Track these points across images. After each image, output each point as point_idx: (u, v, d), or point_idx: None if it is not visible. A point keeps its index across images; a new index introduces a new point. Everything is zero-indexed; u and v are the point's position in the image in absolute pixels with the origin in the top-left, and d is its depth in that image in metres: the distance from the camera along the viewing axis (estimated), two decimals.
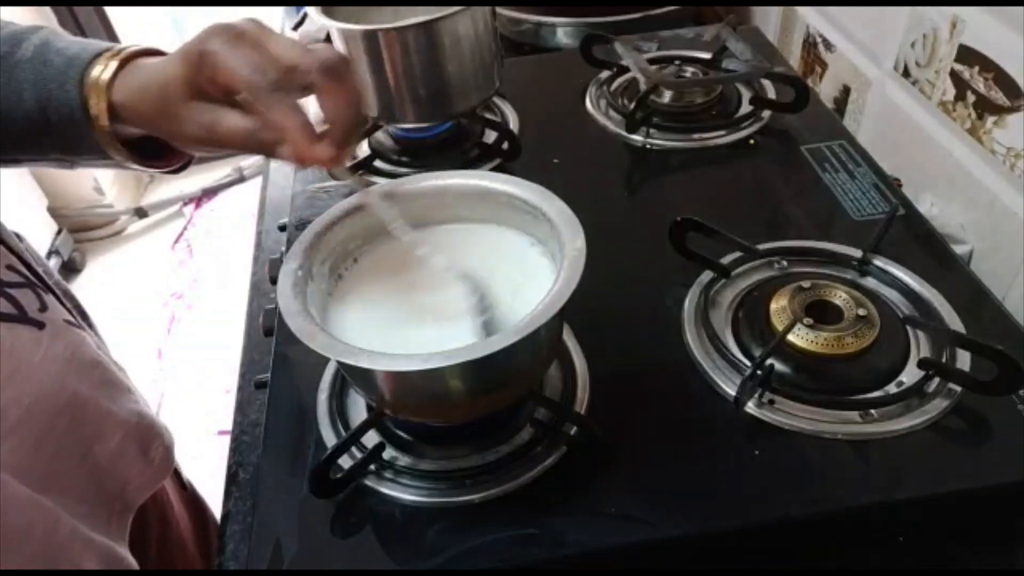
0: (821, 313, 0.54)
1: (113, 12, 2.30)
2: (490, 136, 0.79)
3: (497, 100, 0.85)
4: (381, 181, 0.57)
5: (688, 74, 0.83)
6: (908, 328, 0.55)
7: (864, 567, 0.49)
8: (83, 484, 0.48)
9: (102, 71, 0.45)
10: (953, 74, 0.71)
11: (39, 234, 2.10)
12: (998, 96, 0.66)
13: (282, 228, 0.73)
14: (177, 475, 0.69)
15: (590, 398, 0.52)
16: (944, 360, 0.52)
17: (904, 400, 0.50)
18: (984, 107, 0.68)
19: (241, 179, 2.50)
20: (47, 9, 2.17)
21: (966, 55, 0.69)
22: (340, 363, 0.45)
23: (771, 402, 0.51)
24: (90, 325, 0.58)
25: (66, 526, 0.45)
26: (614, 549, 0.45)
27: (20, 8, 2.06)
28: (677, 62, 0.86)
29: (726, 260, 0.60)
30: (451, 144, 0.79)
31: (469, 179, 0.53)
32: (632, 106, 0.78)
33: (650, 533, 0.45)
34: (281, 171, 0.84)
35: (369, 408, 0.52)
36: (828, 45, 0.94)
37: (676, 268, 0.59)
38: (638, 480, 0.48)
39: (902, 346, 0.54)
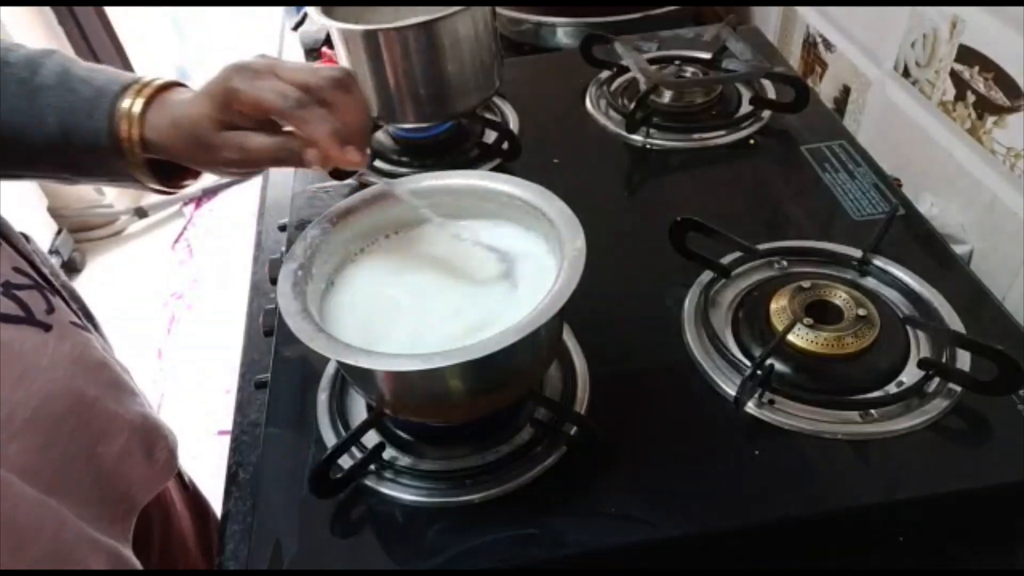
0: (821, 313, 0.54)
1: (113, 12, 2.30)
2: (490, 136, 0.79)
3: (497, 100, 0.85)
4: (381, 181, 0.57)
5: (688, 74, 0.83)
6: (908, 328, 0.55)
7: (864, 567, 0.49)
8: (89, 485, 0.48)
9: (131, 104, 0.50)
10: (953, 74, 0.71)
11: (39, 234, 2.10)
12: (998, 96, 0.66)
13: (282, 228, 0.73)
14: (179, 475, 0.69)
15: (590, 398, 0.52)
16: (944, 360, 0.52)
17: (904, 400, 0.50)
18: (984, 107, 0.68)
19: (241, 179, 2.50)
20: (47, 9, 2.16)
21: (966, 55, 0.69)
22: (340, 363, 0.45)
23: (771, 402, 0.51)
24: (95, 326, 0.58)
25: (73, 526, 0.45)
26: (614, 549, 0.45)
27: (20, 8, 2.06)
28: (677, 62, 0.86)
29: (726, 260, 0.60)
30: (451, 144, 0.79)
31: (469, 179, 0.53)
32: (632, 106, 0.78)
33: (650, 533, 0.45)
34: (281, 171, 0.84)
35: (369, 408, 0.52)
36: (828, 45, 0.95)
37: (676, 268, 0.59)
38: (638, 480, 0.48)
39: (902, 346, 0.54)
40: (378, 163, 0.78)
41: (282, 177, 0.82)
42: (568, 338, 0.56)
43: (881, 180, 0.70)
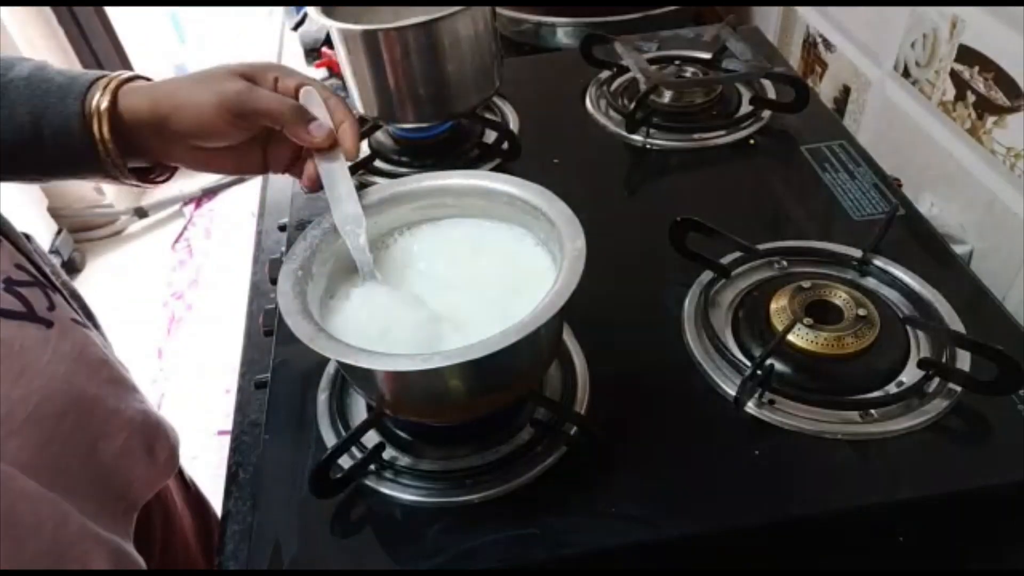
0: (821, 313, 0.54)
1: (113, 12, 2.30)
2: (490, 136, 0.79)
3: (497, 100, 0.85)
4: (381, 181, 0.57)
5: (688, 74, 0.83)
6: (908, 328, 0.55)
7: (864, 567, 0.49)
8: (89, 482, 0.48)
9: (108, 83, 0.49)
10: (953, 74, 0.71)
11: (39, 234, 2.10)
12: (998, 96, 0.66)
13: (282, 228, 0.73)
14: (181, 475, 0.69)
15: (590, 398, 0.52)
16: (944, 360, 0.52)
17: (904, 400, 0.50)
18: (984, 107, 0.68)
19: (241, 179, 2.50)
20: (47, 9, 2.16)
21: (966, 55, 0.69)
22: (340, 363, 0.45)
23: (771, 402, 0.51)
24: (95, 325, 0.58)
25: (75, 522, 0.45)
26: (614, 549, 0.45)
27: (20, 8, 2.06)
28: (677, 62, 0.86)
29: (726, 260, 0.60)
30: (451, 144, 0.79)
31: (469, 179, 0.53)
32: (632, 106, 0.78)
33: (650, 533, 0.45)
34: None
35: (369, 408, 0.52)
36: (828, 45, 0.95)
37: (676, 268, 0.59)
38: (638, 480, 0.48)
39: (902, 346, 0.54)
40: (378, 163, 0.78)
41: (282, 177, 0.82)
42: (568, 338, 0.56)
43: (881, 180, 0.70)
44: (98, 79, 0.49)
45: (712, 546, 0.47)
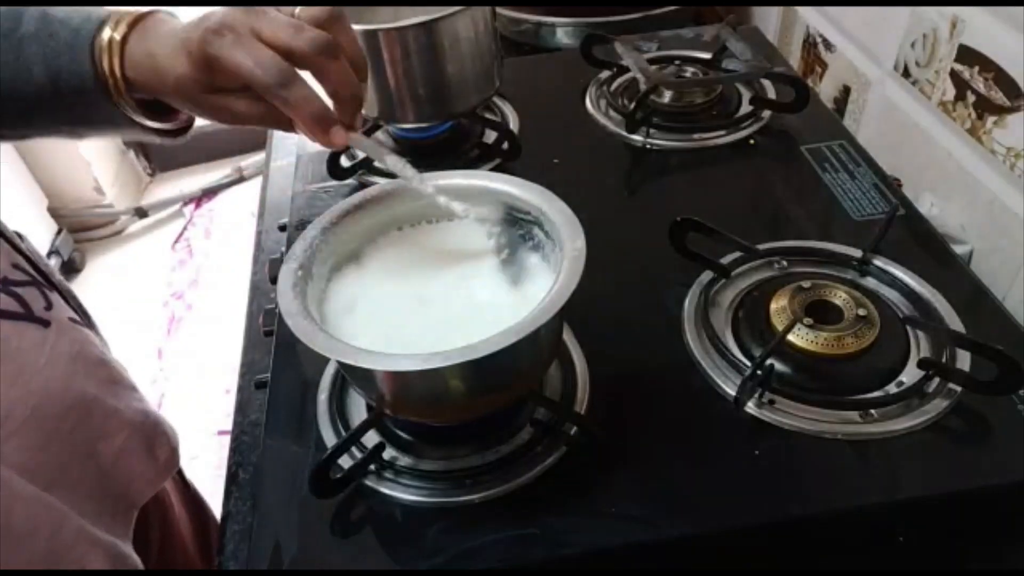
0: (821, 313, 0.53)
1: None
2: (490, 136, 0.79)
3: (497, 100, 0.85)
4: (381, 181, 0.57)
5: (688, 74, 0.83)
6: (908, 328, 0.55)
7: (864, 567, 0.49)
8: (88, 482, 0.48)
9: (109, 37, 0.46)
10: (953, 74, 0.71)
11: (39, 234, 2.10)
12: (998, 96, 0.66)
13: (282, 228, 0.73)
14: (179, 475, 0.69)
15: (590, 398, 0.52)
16: (944, 360, 0.52)
17: (904, 400, 0.50)
18: (984, 107, 0.68)
19: (241, 179, 2.50)
20: None
21: (966, 55, 0.69)
22: (340, 363, 0.45)
23: (771, 402, 0.51)
24: (91, 324, 0.58)
25: (72, 524, 0.45)
26: (614, 549, 0.45)
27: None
28: (677, 62, 0.86)
29: (726, 260, 0.60)
30: (451, 144, 0.79)
31: (470, 179, 0.53)
32: (632, 106, 0.78)
33: (650, 533, 0.45)
34: (281, 171, 0.84)
35: (369, 408, 0.52)
36: (828, 45, 0.95)
37: (676, 268, 0.59)
38: (638, 480, 0.48)
39: (902, 346, 0.54)
40: (378, 163, 0.78)
41: (282, 177, 0.82)
42: (568, 338, 0.56)
43: (881, 180, 0.70)
44: (107, 19, 0.47)
45: (712, 546, 0.47)
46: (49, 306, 0.48)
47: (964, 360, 0.51)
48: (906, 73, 0.79)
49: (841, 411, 0.50)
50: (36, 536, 0.42)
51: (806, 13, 0.99)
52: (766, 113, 0.79)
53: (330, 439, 0.51)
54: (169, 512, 0.65)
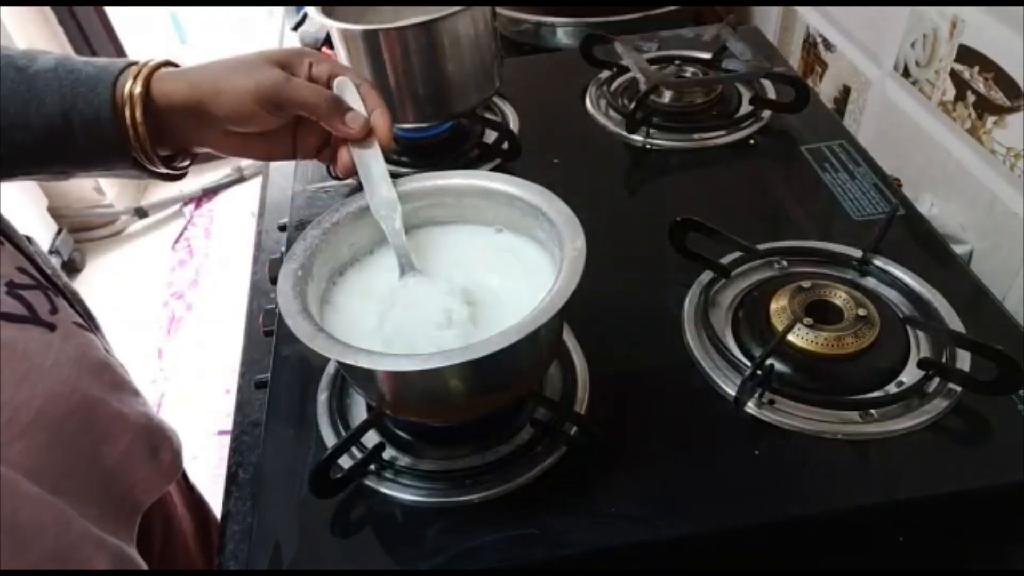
0: (821, 313, 0.53)
1: (113, 12, 2.30)
2: (490, 136, 0.79)
3: (497, 100, 0.85)
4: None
5: (688, 74, 0.83)
6: (908, 328, 0.55)
7: (864, 567, 0.49)
8: (93, 485, 0.48)
9: (140, 70, 0.50)
10: (953, 74, 0.71)
11: (39, 234, 2.10)
12: (998, 96, 0.66)
13: (282, 228, 0.73)
14: (183, 476, 0.69)
15: (590, 398, 0.52)
16: (944, 360, 0.52)
17: (904, 400, 0.50)
18: (984, 107, 0.68)
19: (241, 179, 2.50)
20: (47, 9, 2.16)
21: (966, 55, 0.69)
22: (340, 363, 0.45)
23: (771, 402, 0.51)
24: (96, 327, 0.58)
25: (78, 526, 0.45)
26: (614, 549, 0.45)
27: (20, 8, 2.06)
28: (677, 62, 0.86)
29: (726, 260, 0.60)
30: (451, 144, 0.79)
31: (470, 179, 0.53)
32: (632, 106, 0.78)
33: (650, 533, 0.45)
34: (281, 171, 0.84)
35: (369, 408, 0.52)
36: (828, 45, 0.95)
37: (676, 268, 0.59)
38: (638, 480, 0.48)
39: (902, 346, 0.54)
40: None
41: (282, 177, 0.82)
42: (568, 338, 0.56)
43: (881, 180, 0.70)
44: (128, 66, 0.50)
45: (712, 546, 0.47)
46: (54, 310, 0.48)
47: (964, 360, 0.51)
48: (906, 73, 0.79)
49: (841, 411, 0.50)
50: (43, 536, 0.42)
51: (806, 13, 0.99)
52: (766, 113, 0.79)
53: (330, 439, 0.51)
54: (172, 513, 0.65)
